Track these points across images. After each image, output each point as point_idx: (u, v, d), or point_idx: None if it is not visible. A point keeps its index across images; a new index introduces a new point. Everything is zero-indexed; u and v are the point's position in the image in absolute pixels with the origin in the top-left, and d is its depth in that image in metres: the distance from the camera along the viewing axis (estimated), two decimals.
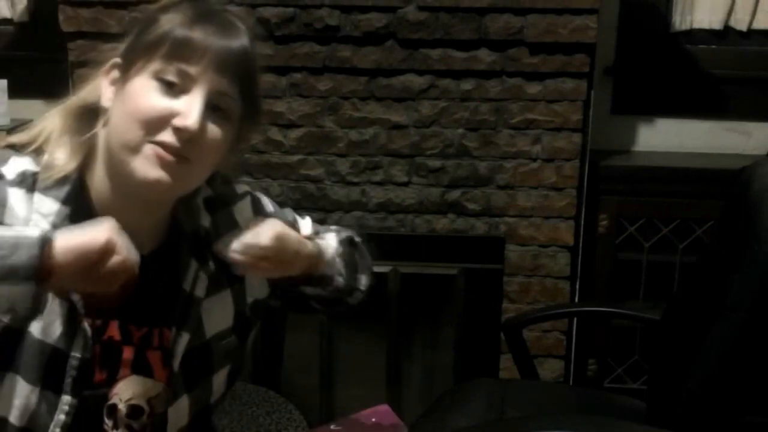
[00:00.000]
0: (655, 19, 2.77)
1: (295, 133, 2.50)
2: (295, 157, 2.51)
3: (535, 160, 2.49)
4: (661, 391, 1.84)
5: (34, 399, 1.13)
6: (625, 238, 2.66)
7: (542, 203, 2.51)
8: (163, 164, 1.09)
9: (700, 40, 2.79)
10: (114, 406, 1.18)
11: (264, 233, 1.18)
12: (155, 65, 1.11)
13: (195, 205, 1.25)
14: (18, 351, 1.11)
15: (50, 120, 1.19)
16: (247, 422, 2.03)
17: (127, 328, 1.19)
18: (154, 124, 1.09)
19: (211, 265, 1.24)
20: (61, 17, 2.43)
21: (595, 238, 2.64)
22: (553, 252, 2.55)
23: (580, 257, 2.59)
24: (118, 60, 1.15)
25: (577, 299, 2.61)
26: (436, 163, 2.51)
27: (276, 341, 2.25)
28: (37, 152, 1.16)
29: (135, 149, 1.10)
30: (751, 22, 2.75)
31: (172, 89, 1.11)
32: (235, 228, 1.25)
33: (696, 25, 2.76)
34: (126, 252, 1.03)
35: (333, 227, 1.44)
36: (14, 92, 2.73)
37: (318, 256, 1.30)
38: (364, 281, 1.42)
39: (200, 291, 1.23)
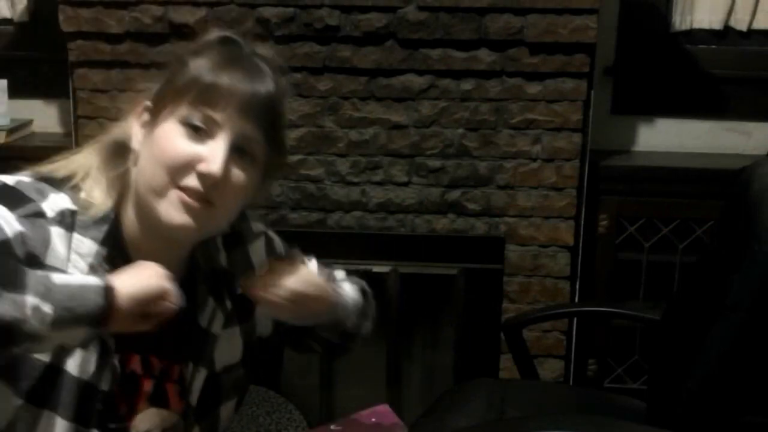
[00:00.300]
0: (655, 19, 2.77)
1: (295, 133, 2.50)
2: (295, 157, 2.51)
3: (535, 160, 2.49)
4: (661, 391, 1.84)
5: None
6: (625, 238, 2.66)
7: (542, 203, 2.51)
8: (188, 209, 1.12)
9: (700, 40, 2.79)
10: None
11: (295, 277, 1.22)
12: (182, 110, 1.13)
13: (214, 244, 1.28)
14: (56, 389, 1.13)
15: (86, 157, 1.20)
16: (247, 422, 2.03)
17: (148, 360, 1.20)
18: (180, 169, 1.11)
19: (228, 304, 1.27)
20: (61, 17, 2.43)
21: (595, 238, 2.64)
22: (553, 252, 2.55)
23: (580, 257, 2.59)
24: (148, 103, 1.17)
25: (577, 299, 2.61)
26: (436, 163, 2.51)
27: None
28: (73, 188, 1.16)
29: (161, 193, 1.12)
30: (751, 22, 2.75)
31: (198, 134, 1.12)
32: (250, 268, 1.30)
33: (696, 25, 2.76)
34: (176, 298, 1.08)
35: (341, 272, 1.45)
36: (14, 92, 2.73)
37: (337, 304, 1.33)
38: (367, 328, 1.47)
39: (217, 329, 1.26)
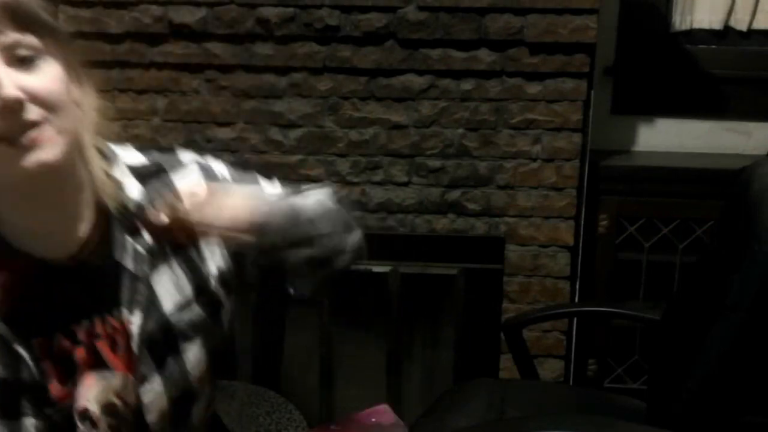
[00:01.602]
0: (655, 19, 2.77)
1: (295, 133, 2.50)
2: (295, 157, 2.51)
3: (535, 160, 2.49)
4: (661, 391, 1.84)
5: None
6: (625, 238, 2.66)
7: (542, 203, 2.51)
8: (26, 148, 1.03)
9: (700, 40, 2.79)
10: (85, 411, 1.15)
11: (216, 209, 1.12)
12: None
13: (113, 180, 1.18)
14: None
15: None
16: (247, 422, 2.03)
17: (70, 330, 1.14)
18: None
19: (146, 237, 1.17)
20: (61, 17, 2.43)
21: (595, 238, 2.64)
22: (553, 252, 2.55)
23: (580, 257, 2.59)
24: None
25: (577, 299, 2.61)
26: (436, 163, 2.51)
27: (276, 341, 2.25)
28: None
29: None
30: (751, 22, 2.75)
31: None
32: (175, 195, 1.20)
33: (696, 25, 2.76)
34: None
35: (307, 187, 1.32)
36: None
37: (294, 216, 1.19)
38: (350, 241, 1.31)
39: (144, 266, 1.17)
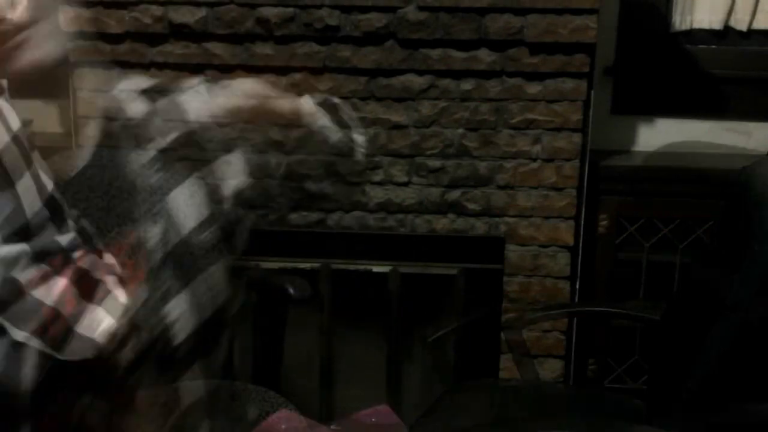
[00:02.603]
0: (655, 19, 2.77)
1: (295, 133, 2.50)
2: (295, 157, 2.51)
3: (535, 160, 2.49)
4: (661, 391, 1.84)
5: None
6: (625, 238, 2.66)
7: (542, 203, 2.51)
8: None
9: (700, 40, 2.79)
10: (111, 332, 1.10)
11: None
12: None
13: None
14: None
15: None
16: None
17: (85, 251, 1.14)
18: None
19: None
20: (61, 17, 2.42)
21: (595, 238, 2.64)
22: (553, 252, 2.55)
23: (580, 257, 2.59)
24: None
25: (577, 299, 2.61)
26: (436, 163, 2.51)
27: (276, 341, 2.25)
28: None
29: None
30: (751, 22, 2.75)
31: None
32: None
33: (696, 25, 2.76)
34: None
35: None
36: (14, 92, 2.73)
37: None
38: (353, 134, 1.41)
39: (152, 180, 1.19)
